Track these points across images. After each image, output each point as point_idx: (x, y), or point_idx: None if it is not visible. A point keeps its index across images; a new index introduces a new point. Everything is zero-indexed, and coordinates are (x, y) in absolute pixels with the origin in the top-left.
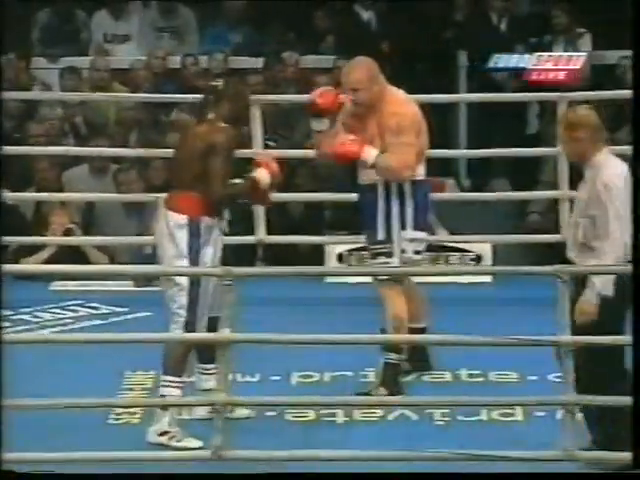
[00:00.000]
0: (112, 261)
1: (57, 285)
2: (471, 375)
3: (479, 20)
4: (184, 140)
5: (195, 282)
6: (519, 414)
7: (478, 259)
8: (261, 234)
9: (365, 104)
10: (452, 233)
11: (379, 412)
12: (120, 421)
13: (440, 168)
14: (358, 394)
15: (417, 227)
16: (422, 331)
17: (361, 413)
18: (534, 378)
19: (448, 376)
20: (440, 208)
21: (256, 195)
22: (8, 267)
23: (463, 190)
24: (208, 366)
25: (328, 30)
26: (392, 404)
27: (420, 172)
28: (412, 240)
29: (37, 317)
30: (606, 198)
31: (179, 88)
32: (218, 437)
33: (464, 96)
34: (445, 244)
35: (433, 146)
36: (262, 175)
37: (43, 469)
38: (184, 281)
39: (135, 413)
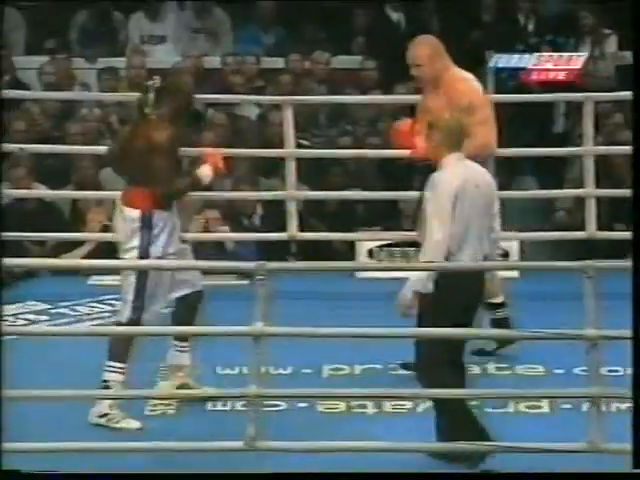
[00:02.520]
0: None
1: (95, 279)
2: (499, 368)
3: (507, 21)
4: (128, 138)
5: (142, 272)
6: (545, 407)
7: (505, 255)
8: (293, 230)
9: (427, 79)
10: None
11: (408, 404)
12: (156, 412)
13: None
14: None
15: None
16: (501, 305)
17: (391, 405)
18: (560, 371)
19: (476, 369)
20: None
21: (200, 189)
22: (9, 261)
23: None
24: (183, 343)
25: (359, 31)
26: (421, 397)
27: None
28: None
29: (75, 311)
30: (431, 198)
31: (214, 88)
32: (251, 428)
33: (492, 96)
34: None
35: None
36: (204, 172)
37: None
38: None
39: (170, 404)
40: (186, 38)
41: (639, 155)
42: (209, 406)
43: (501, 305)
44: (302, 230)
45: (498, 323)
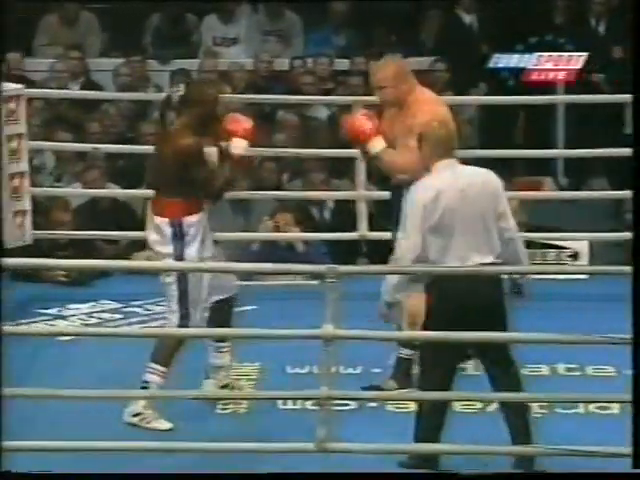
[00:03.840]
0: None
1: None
2: (569, 369)
3: (578, 23)
4: (157, 149)
5: (182, 277)
6: (615, 408)
7: (575, 256)
8: (363, 230)
9: (391, 102)
10: (550, 230)
11: (478, 404)
12: (227, 410)
13: (538, 167)
14: (369, 388)
15: None
16: None
17: (460, 405)
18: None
19: (545, 370)
20: (538, 206)
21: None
22: (9, 261)
23: (561, 189)
24: (221, 344)
25: (430, 33)
26: (488, 399)
27: None
28: None
29: (147, 310)
30: (405, 207)
31: (285, 90)
32: (322, 429)
33: (563, 97)
34: (542, 241)
35: (532, 146)
36: (237, 145)
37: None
38: (172, 277)
39: (241, 403)
40: (258, 40)
41: (639, 155)
42: (280, 405)
43: None
44: (372, 230)
45: None
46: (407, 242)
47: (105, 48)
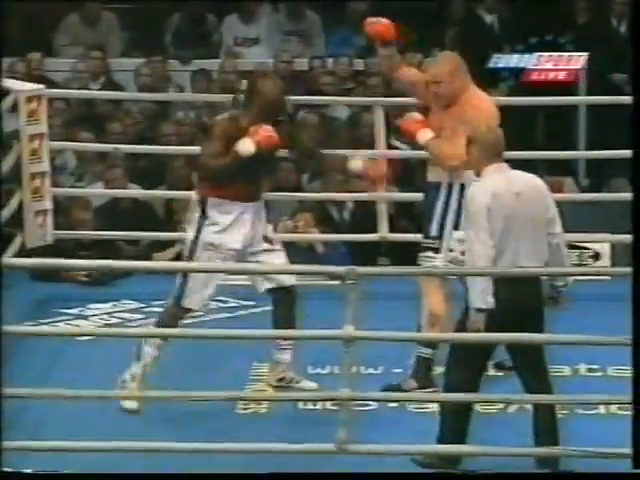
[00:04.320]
0: None
1: None
2: (590, 370)
3: (599, 23)
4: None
5: (189, 258)
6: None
7: (596, 257)
8: (383, 231)
9: (445, 97)
10: (571, 231)
11: (499, 405)
12: (248, 411)
13: (559, 168)
14: (388, 387)
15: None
16: None
17: (481, 406)
18: None
19: (567, 370)
20: (560, 207)
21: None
22: (8, 261)
23: (582, 189)
24: (283, 342)
25: (451, 32)
26: (510, 401)
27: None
28: (462, 241)
29: None
30: (465, 211)
31: (306, 90)
32: (342, 431)
33: (585, 98)
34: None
35: (554, 147)
36: (244, 145)
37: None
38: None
39: (262, 404)
40: (278, 40)
41: (639, 155)
42: (301, 405)
43: None
44: (392, 231)
45: None
46: (479, 246)
47: (126, 48)
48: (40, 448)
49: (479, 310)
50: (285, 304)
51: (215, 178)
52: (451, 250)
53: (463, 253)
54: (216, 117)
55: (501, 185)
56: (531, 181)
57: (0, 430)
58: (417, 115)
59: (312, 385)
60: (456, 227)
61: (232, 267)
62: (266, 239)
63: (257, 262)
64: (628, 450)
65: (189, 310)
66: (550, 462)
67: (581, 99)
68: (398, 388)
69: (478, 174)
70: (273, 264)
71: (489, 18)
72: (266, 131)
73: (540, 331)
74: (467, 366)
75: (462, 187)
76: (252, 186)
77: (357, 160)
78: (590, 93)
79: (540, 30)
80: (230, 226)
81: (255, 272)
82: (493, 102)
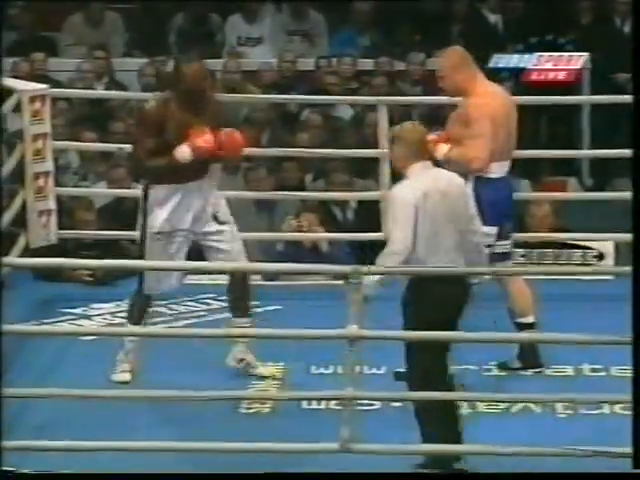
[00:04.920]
0: None
1: (191, 279)
2: (593, 370)
3: (603, 23)
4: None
5: (142, 242)
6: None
7: (600, 257)
8: (387, 231)
9: (449, 91)
10: (575, 231)
11: (503, 405)
12: (251, 411)
13: (563, 168)
14: (397, 376)
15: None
16: (530, 326)
17: (485, 405)
18: None
19: (570, 370)
20: (564, 206)
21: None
22: (12, 260)
23: (586, 189)
24: (242, 320)
25: (455, 32)
26: (515, 400)
27: (495, 169)
28: None
29: (172, 309)
30: (390, 207)
31: (310, 89)
32: (346, 430)
33: (588, 98)
34: (567, 242)
35: (557, 147)
36: (181, 150)
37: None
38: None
39: (265, 403)
40: (282, 40)
41: (639, 155)
42: (304, 405)
43: (531, 326)
44: None
45: (527, 346)
46: (398, 240)
47: (129, 48)
48: (44, 448)
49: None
50: (240, 282)
51: (152, 176)
52: None
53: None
54: (144, 104)
55: (429, 183)
56: (454, 179)
57: (0, 430)
58: (431, 135)
59: (270, 370)
60: None
61: (230, 266)
62: (215, 218)
63: (210, 246)
64: (628, 449)
65: (149, 297)
66: (444, 461)
67: (585, 99)
68: (504, 365)
69: (404, 172)
70: (233, 249)
71: (493, 18)
72: (205, 141)
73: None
74: (433, 359)
75: (477, 179)
76: (192, 167)
77: (183, 148)
78: (594, 93)
79: (543, 30)
80: (176, 209)
81: (254, 270)
82: (501, 96)
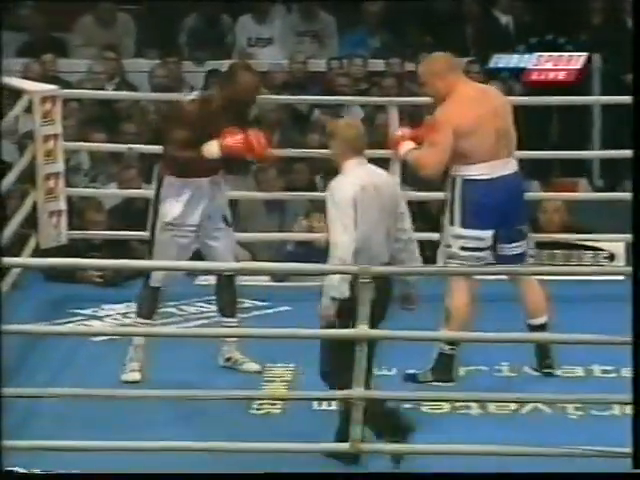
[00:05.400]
0: (254, 258)
1: (202, 280)
2: (604, 371)
3: (614, 23)
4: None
5: (151, 241)
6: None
7: (611, 257)
8: None
9: (431, 97)
10: (586, 232)
11: (513, 405)
12: (261, 411)
13: (574, 168)
14: (407, 377)
15: (466, 225)
16: (542, 328)
17: (495, 406)
18: None
19: (580, 371)
20: (574, 207)
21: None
22: (8, 260)
23: (596, 190)
24: (230, 320)
25: (466, 33)
26: (526, 401)
27: (483, 170)
28: (458, 236)
29: (182, 310)
30: (329, 203)
31: (321, 90)
32: (357, 430)
33: (599, 98)
34: (578, 242)
35: (568, 147)
36: (210, 147)
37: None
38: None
39: (276, 404)
40: (292, 41)
41: (639, 155)
42: (315, 406)
43: (542, 327)
44: None
45: (538, 347)
46: (343, 245)
47: (140, 49)
48: (56, 448)
49: (333, 299)
50: (228, 283)
51: (179, 167)
52: (448, 246)
53: (463, 248)
54: (184, 98)
55: (365, 177)
56: (386, 177)
57: (0, 430)
58: (406, 130)
59: (256, 367)
60: (451, 222)
61: (238, 267)
62: (225, 219)
63: (205, 243)
64: (629, 449)
65: (157, 289)
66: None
67: (595, 99)
68: (415, 378)
69: (340, 168)
70: (227, 249)
71: (504, 19)
72: (236, 140)
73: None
74: (339, 359)
75: (452, 183)
76: (208, 163)
77: (212, 145)
78: (604, 93)
79: (554, 32)
80: (188, 203)
81: (265, 270)
82: (481, 100)
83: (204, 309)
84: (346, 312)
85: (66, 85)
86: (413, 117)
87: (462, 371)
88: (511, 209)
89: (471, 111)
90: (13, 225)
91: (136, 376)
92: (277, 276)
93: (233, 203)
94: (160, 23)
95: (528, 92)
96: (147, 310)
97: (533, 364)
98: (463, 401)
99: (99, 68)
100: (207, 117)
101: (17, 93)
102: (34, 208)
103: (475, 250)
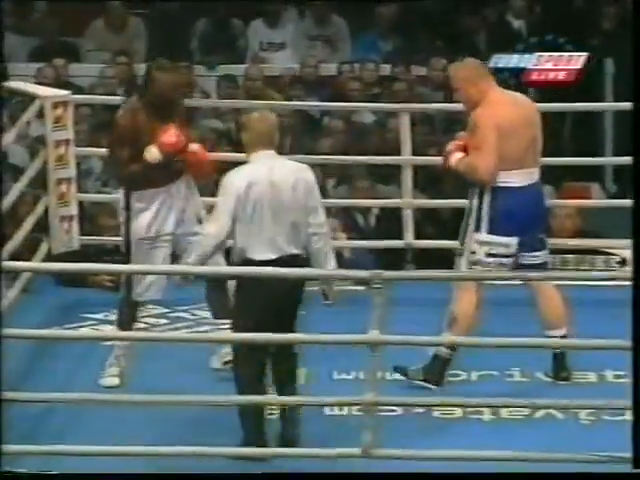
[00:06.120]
0: None
1: None
2: (617, 376)
3: (626, 28)
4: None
5: (127, 250)
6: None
7: (623, 262)
8: (409, 238)
9: (464, 103)
10: (598, 237)
11: (526, 411)
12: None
13: (587, 174)
14: (397, 369)
15: (493, 231)
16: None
17: (507, 412)
18: None
19: (593, 377)
20: (586, 212)
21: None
22: (8, 264)
23: (609, 195)
24: (221, 322)
25: (478, 37)
26: (537, 406)
27: (514, 178)
28: (484, 243)
29: (194, 315)
30: (220, 193)
31: (331, 95)
32: (367, 435)
33: (610, 105)
34: (590, 247)
35: (580, 153)
36: (150, 152)
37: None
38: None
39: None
40: (304, 45)
41: (639, 155)
42: (326, 411)
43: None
44: (418, 238)
45: (555, 357)
46: (215, 225)
47: (152, 53)
48: (66, 452)
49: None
50: (219, 284)
51: (131, 182)
52: (473, 252)
53: (489, 255)
54: (117, 113)
55: (259, 174)
56: (296, 172)
57: (1, 432)
58: (453, 143)
59: None
60: (478, 229)
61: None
62: (200, 222)
63: (184, 248)
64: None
65: (137, 304)
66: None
67: (608, 105)
68: (405, 371)
69: (248, 159)
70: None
71: (517, 23)
72: (170, 136)
73: (293, 328)
74: (249, 362)
75: (480, 189)
76: (167, 170)
77: (151, 149)
78: (617, 99)
79: (566, 36)
80: (158, 212)
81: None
82: (514, 104)
83: None
84: (244, 294)
85: (78, 90)
86: (424, 122)
87: (474, 376)
88: (535, 218)
89: (508, 114)
90: (24, 230)
91: (115, 381)
92: None
93: None
94: (172, 27)
95: (534, 95)
96: (128, 323)
97: (545, 369)
98: (475, 407)
99: (111, 73)
100: (139, 126)
101: (29, 98)
102: (46, 213)
103: (501, 257)
